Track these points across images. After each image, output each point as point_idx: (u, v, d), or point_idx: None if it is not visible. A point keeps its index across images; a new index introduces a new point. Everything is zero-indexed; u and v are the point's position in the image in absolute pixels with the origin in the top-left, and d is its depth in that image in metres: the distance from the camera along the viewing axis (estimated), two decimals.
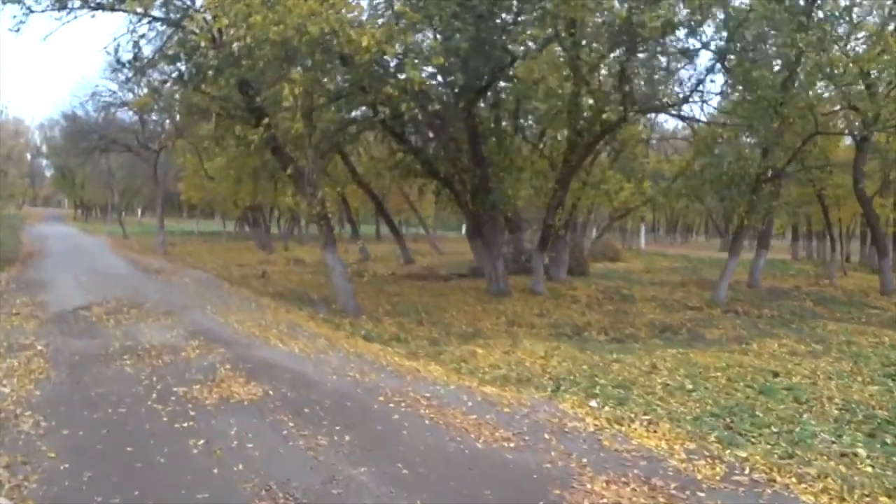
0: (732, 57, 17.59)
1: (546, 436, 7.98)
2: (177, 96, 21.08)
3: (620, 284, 24.82)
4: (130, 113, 35.91)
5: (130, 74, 19.74)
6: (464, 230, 33.73)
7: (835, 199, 28.92)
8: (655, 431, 8.41)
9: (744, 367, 12.81)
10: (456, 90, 18.82)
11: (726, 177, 20.88)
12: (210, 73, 15.25)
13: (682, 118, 20.01)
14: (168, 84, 19.79)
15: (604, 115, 18.39)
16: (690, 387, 11.14)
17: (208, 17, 14.28)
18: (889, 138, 21.67)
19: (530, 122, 23.55)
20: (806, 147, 20.92)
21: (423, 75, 15.97)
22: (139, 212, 74.40)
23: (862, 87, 21.04)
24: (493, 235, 21.67)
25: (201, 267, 27.87)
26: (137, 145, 37.50)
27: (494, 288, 21.66)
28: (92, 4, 16.15)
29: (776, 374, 12.22)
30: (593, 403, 9.83)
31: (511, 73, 18.39)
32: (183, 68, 16.66)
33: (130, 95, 32.55)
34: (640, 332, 18.04)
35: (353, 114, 20.66)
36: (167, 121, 34.79)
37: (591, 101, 18.93)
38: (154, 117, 34.84)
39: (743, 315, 20.41)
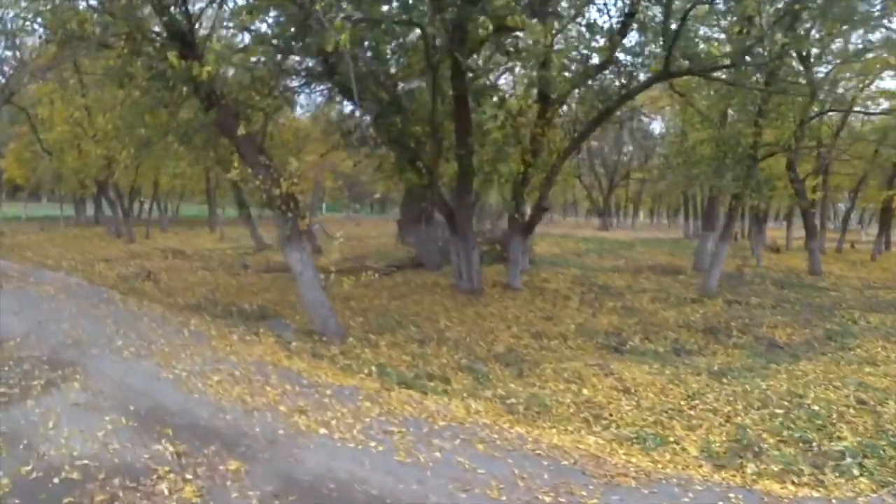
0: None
1: None
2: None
3: (579, 273, 20.08)
4: None
5: None
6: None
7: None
8: None
9: None
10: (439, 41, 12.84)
11: (725, 153, 16.60)
12: None
13: (723, 81, 15.29)
14: None
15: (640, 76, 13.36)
16: None
17: None
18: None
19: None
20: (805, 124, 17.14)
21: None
22: None
23: None
24: (468, 222, 15.97)
25: (55, 265, 19.57)
26: None
27: (465, 285, 16.06)
28: None
29: None
30: None
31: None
32: None
33: None
34: (691, 339, 13.61)
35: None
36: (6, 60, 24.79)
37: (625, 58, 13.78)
38: None
39: (750, 307, 16.49)
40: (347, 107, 18.68)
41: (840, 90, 22.49)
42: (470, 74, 13.96)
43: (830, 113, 23.02)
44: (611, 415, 8.81)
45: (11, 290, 14.19)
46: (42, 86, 23.80)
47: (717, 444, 7.61)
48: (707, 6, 13.76)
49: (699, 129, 17.89)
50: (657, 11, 13.82)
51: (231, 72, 12.69)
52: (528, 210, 17.64)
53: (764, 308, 16.50)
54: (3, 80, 24.69)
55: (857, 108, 22.06)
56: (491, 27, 10.57)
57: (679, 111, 26.56)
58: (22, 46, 25.28)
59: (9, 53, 25.73)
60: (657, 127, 36.41)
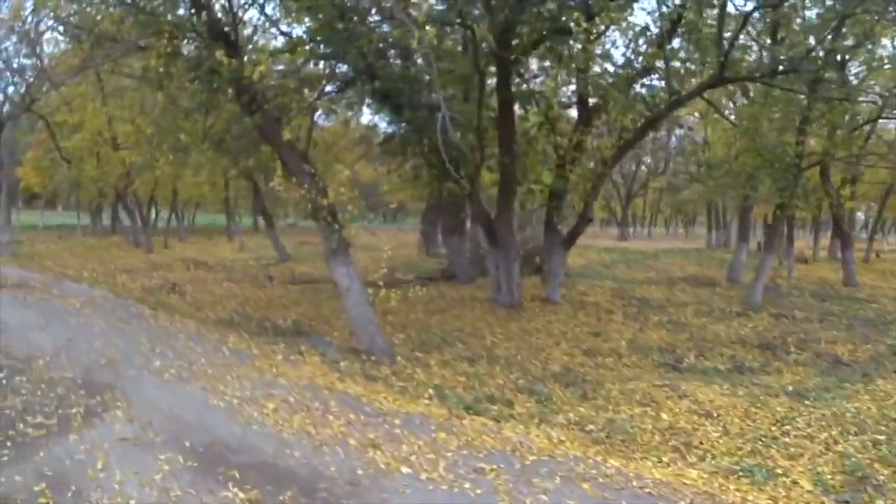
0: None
1: None
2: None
3: (615, 285, 19.13)
4: None
5: None
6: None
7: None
8: None
9: None
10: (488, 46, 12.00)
11: (771, 162, 15.67)
12: None
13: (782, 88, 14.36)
14: None
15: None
16: None
17: None
18: None
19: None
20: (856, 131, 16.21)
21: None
22: None
23: None
24: (509, 233, 15.06)
25: (76, 276, 18.67)
26: None
27: (505, 298, 15.13)
28: None
29: None
30: None
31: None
32: None
33: None
34: (748, 355, 12.73)
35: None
36: (27, 68, 23.84)
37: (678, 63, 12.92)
38: None
39: (797, 321, 15.55)
40: (366, 115, 17.89)
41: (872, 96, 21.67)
42: (517, 80, 13.10)
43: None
44: (701, 443, 7.93)
45: (35, 303, 13.30)
46: (72, 87, 22.83)
47: (829, 477, 6.74)
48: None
49: (736, 138, 16.95)
50: (711, 16, 13.02)
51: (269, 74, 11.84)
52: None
53: (811, 322, 15.57)
54: (24, 88, 23.89)
55: None
56: (544, 30, 9.76)
57: (706, 121, 25.75)
58: (42, 54, 24.59)
59: (27, 62, 25.03)
60: (673, 138, 35.62)
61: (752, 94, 18.50)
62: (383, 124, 17.89)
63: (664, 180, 36.15)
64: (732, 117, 20.81)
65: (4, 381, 7.89)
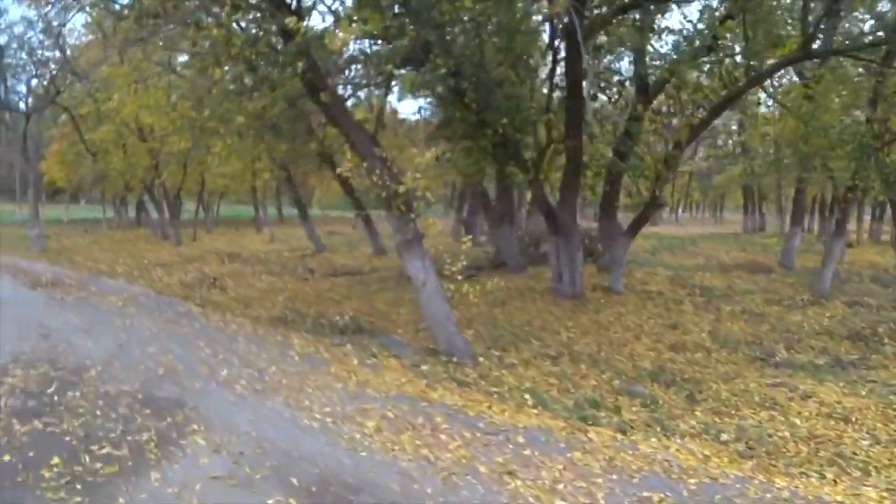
0: None
1: None
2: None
3: (670, 273, 17.79)
4: None
5: None
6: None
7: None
8: None
9: None
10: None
11: (846, 142, 14.26)
12: None
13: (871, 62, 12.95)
14: None
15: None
16: None
17: None
18: None
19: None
20: None
21: None
22: None
23: None
24: (573, 220, 13.78)
25: (110, 271, 17.49)
26: None
27: (567, 289, 13.84)
28: None
29: None
30: None
31: None
32: None
33: None
34: (840, 348, 11.88)
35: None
36: (50, 60, 22.52)
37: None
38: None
39: (872, 308, 14.26)
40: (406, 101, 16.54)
41: None
42: (586, 57, 11.74)
43: None
44: (854, 454, 6.78)
45: (74, 303, 12.11)
46: (112, 70, 21.45)
47: None
48: None
49: (799, 118, 15.48)
50: None
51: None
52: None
53: (888, 310, 14.27)
54: (48, 80, 22.65)
55: None
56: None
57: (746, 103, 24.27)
58: (65, 44, 23.35)
59: (49, 54, 23.77)
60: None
61: (804, 73, 17.12)
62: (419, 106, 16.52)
63: (695, 164, 34.70)
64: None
65: (57, 399, 6.70)
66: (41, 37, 23.22)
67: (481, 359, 9.44)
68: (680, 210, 47.37)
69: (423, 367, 8.69)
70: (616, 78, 13.73)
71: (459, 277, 9.26)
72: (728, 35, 12.44)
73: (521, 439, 6.00)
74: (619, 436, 6.60)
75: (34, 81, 23.30)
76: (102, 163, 25.55)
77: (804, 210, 21.06)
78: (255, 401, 6.73)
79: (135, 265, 18.93)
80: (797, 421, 7.63)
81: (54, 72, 22.38)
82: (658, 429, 7.32)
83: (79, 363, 8.02)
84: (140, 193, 26.04)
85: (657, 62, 13.64)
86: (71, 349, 8.65)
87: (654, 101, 13.80)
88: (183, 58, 15.33)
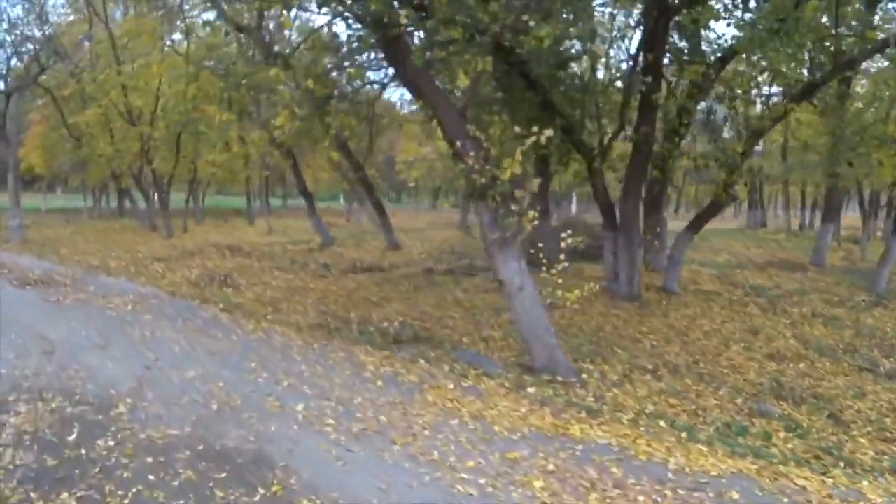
0: None
1: None
2: None
3: (713, 271, 16.16)
4: None
5: None
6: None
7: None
8: None
9: None
10: None
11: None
12: None
13: None
14: None
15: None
16: None
17: None
18: None
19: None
20: None
21: None
22: None
23: None
24: (634, 214, 12.09)
25: (102, 266, 15.17)
26: None
27: (623, 289, 12.15)
28: None
29: None
30: None
31: None
32: None
33: None
34: None
35: None
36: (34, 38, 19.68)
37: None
38: None
39: None
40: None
41: None
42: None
43: None
44: None
45: (75, 307, 9.90)
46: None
47: None
48: None
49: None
50: None
51: None
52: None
53: None
54: (30, 58, 19.96)
55: None
56: None
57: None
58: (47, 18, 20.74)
59: (29, 32, 21.05)
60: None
61: None
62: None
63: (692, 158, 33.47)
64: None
65: (84, 452, 4.71)
66: (21, 12, 20.62)
67: (584, 376, 7.65)
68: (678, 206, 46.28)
69: (530, 390, 6.85)
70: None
71: (560, 280, 7.45)
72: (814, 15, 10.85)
73: (735, 495, 4.25)
74: (827, 480, 4.90)
75: (13, 60, 20.55)
76: (87, 148, 22.90)
77: (838, 208, 19.73)
78: (365, 453, 4.81)
79: (129, 259, 16.57)
80: None
81: (38, 48, 19.69)
82: (842, 465, 5.65)
83: (101, 394, 5.98)
84: (126, 181, 23.46)
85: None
86: (86, 372, 6.57)
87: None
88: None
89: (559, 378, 7.28)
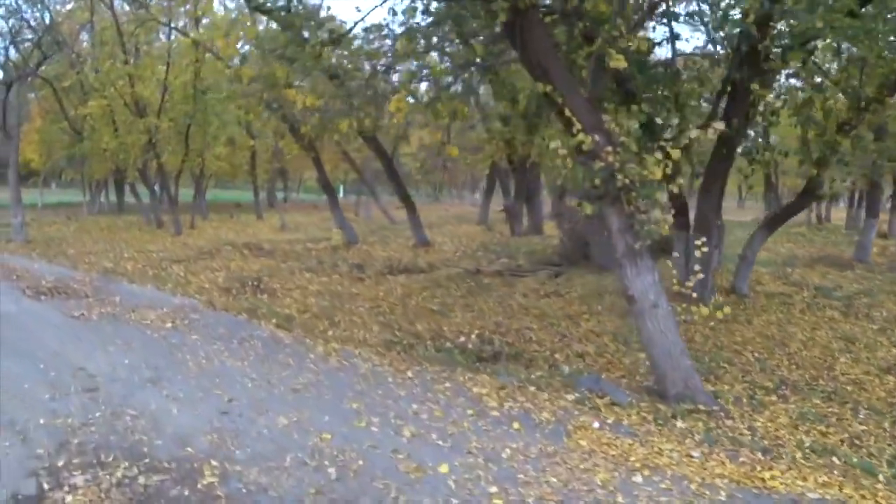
0: None
1: None
2: None
3: (770, 269, 14.93)
4: None
5: None
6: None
7: None
8: None
9: None
10: None
11: None
12: None
13: None
14: None
15: None
16: None
17: None
18: None
19: None
20: None
21: None
22: None
23: None
24: (714, 213, 10.80)
25: (119, 269, 13.58)
26: None
27: (697, 291, 10.81)
28: None
29: None
30: None
31: None
32: None
33: None
34: None
35: None
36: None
37: None
38: None
39: None
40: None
41: None
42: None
43: None
44: None
45: (103, 323, 8.38)
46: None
47: None
48: None
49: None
50: None
51: None
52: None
53: None
54: (33, 46, 18.09)
55: None
56: None
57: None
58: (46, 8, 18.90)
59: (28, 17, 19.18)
60: None
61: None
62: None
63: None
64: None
65: None
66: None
67: (722, 402, 6.37)
68: None
69: (679, 424, 5.56)
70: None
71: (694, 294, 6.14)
72: None
73: None
74: None
75: (11, 50, 18.63)
76: (89, 142, 21.09)
77: (879, 201, 18.65)
78: None
79: (145, 261, 14.96)
80: None
81: (40, 35, 17.81)
82: None
83: (176, 454, 4.57)
84: (132, 176, 21.70)
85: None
86: (147, 421, 5.14)
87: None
88: None
89: (700, 406, 6.00)
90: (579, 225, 16.65)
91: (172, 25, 17.59)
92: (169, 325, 8.34)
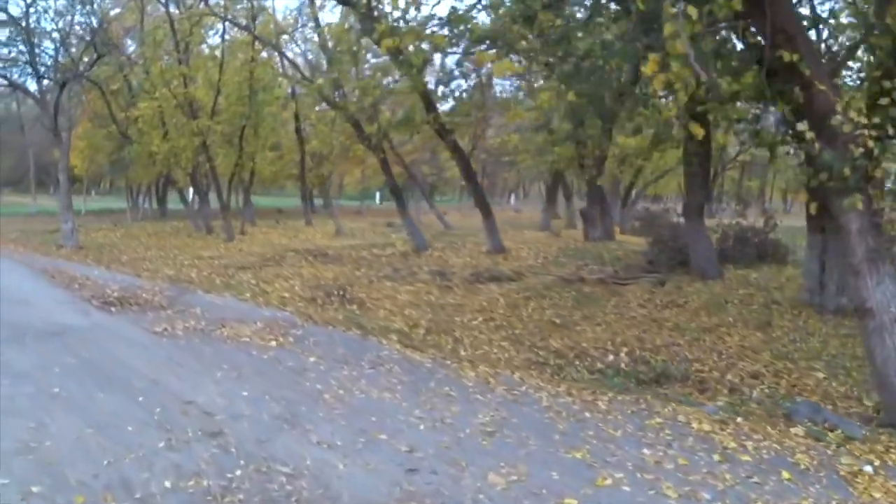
0: None
1: None
2: None
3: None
4: None
5: None
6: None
7: None
8: None
9: None
10: None
11: None
12: None
13: None
14: None
15: None
16: None
17: None
18: None
19: None
20: None
21: None
22: None
23: None
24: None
25: (184, 277, 12.28)
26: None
27: (831, 302, 9.42)
28: None
29: None
30: None
31: None
32: None
33: None
34: None
35: None
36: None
37: None
38: None
39: None
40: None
41: None
42: None
43: None
44: None
45: (195, 342, 7.03)
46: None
47: None
48: None
49: None
50: None
51: None
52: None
53: None
54: (85, 47, 16.93)
55: None
56: None
57: None
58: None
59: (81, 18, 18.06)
60: None
61: None
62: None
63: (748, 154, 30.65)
64: None
65: None
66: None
67: None
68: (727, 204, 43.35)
69: None
70: None
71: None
72: None
73: None
74: None
75: (60, 51, 17.46)
76: (137, 146, 19.91)
77: None
78: None
79: (208, 268, 13.66)
80: None
81: (92, 37, 16.65)
82: None
83: None
84: (183, 181, 20.48)
85: None
86: (309, 481, 3.72)
87: None
88: None
89: None
90: (665, 230, 15.28)
91: (230, 19, 16.36)
92: (273, 343, 6.97)
